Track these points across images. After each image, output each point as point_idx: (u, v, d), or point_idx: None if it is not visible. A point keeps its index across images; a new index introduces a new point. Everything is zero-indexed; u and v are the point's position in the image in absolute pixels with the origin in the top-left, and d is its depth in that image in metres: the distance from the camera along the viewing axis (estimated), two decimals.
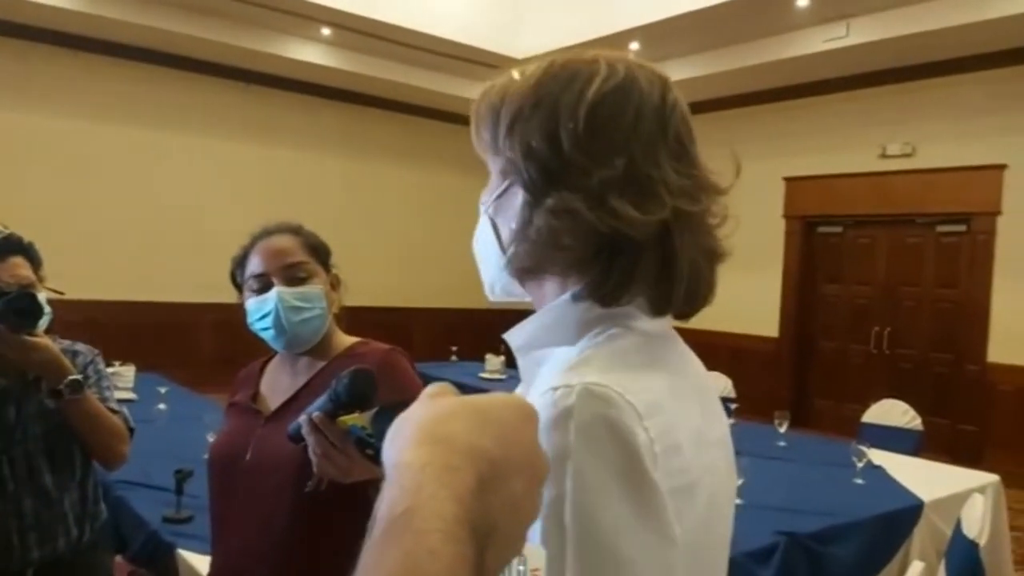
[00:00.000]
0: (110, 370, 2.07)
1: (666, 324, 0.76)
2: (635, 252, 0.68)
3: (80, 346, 1.96)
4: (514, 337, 0.77)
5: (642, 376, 0.67)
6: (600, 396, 0.61)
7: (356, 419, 1.07)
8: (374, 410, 1.07)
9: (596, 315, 0.71)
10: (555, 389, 0.62)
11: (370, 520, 0.40)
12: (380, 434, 1.04)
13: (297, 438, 1.14)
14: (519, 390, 0.79)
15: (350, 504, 1.25)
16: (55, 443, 1.80)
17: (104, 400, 1.87)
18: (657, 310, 0.72)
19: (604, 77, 0.70)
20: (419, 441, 0.43)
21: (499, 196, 0.75)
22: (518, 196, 0.72)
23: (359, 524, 1.30)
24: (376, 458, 1.08)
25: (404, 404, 1.08)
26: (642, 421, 0.62)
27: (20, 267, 1.78)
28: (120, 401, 1.99)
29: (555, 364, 0.70)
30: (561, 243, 0.68)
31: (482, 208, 0.79)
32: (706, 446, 0.71)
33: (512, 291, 0.79)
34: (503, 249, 0.75)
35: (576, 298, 0.71)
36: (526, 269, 0.73)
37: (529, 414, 0.49)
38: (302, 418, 1.12)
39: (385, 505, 0.39)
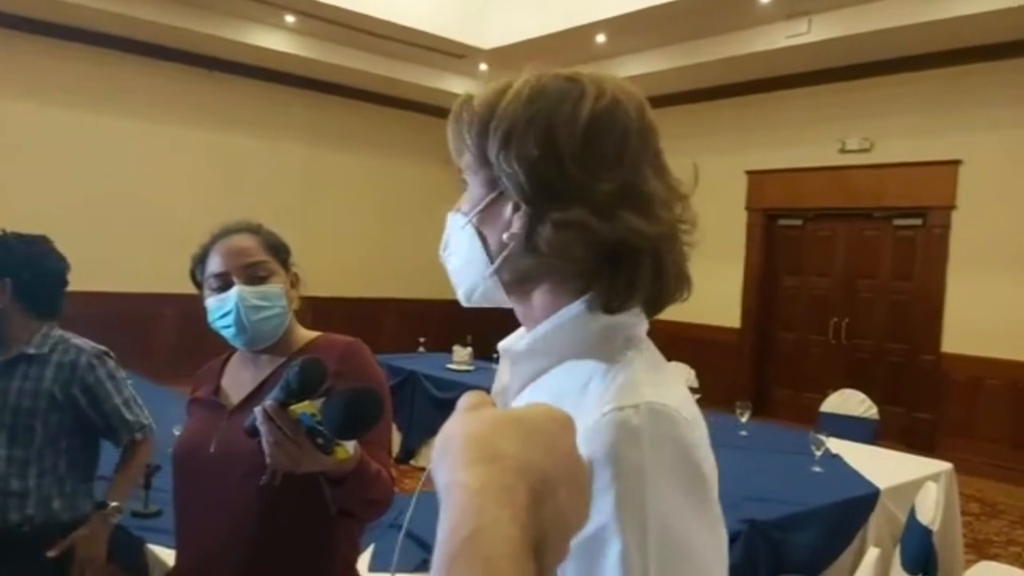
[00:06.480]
0: None
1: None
2: (634, 261, 0.73)
3: (80, 341, 2.07)
4: (516, 345, 0.79)
5: (676, 388, 0.73)
6: (664, 415, 0.66)
7: (307, 407, 1.11)
8: (323, 398, 1.11)
9: (605, 324, 0.74)
10: (620, 409, 0.65)
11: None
12: (328, 421, 1.09)
13: (252, 431, 1.16)
14: (496, 390, 0.82)
15: (311, 494, 1.28)
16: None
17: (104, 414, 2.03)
18: (650, 312, 0.78)
19: (594, 96, 0.73)
20: (472, 459, 0.44)
21: (485, 207, 0.78)
22: (508, 208, 0.76)
23: (321, 514, 1.35)
24: (325, 447, 1.13)
25: (352, 390, 1.13)
26: (693, 432, 0.68)
27: None
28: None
29: (581, 378, 0.72)
30: (571, 255, 0.72)
31: (461, 219, 0.80)
32: None
33: (493, 298, 0.81)
34: (491, 258, 0.78)
35: (589, 307, 0.74)
36: (524, 279, 0.78)
37: (566, 423, 0.50)
38: (256, 409, 1.14)
39: (447, 526, 0.40)
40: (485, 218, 0.78)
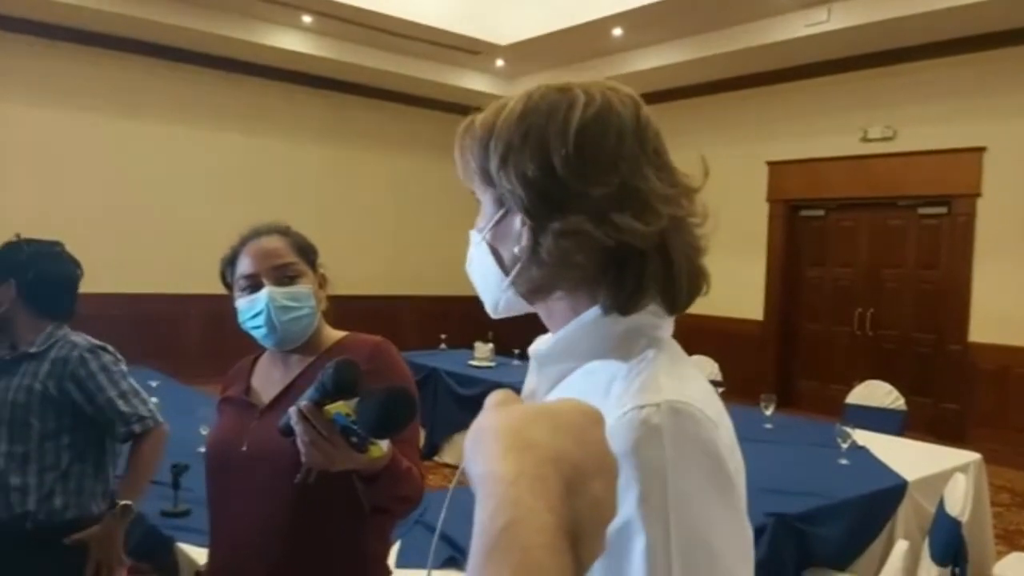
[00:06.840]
0: None
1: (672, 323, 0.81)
2: (640, 261, 0.74)
3: (77, 338, 2.05)
4: (542, 349, 0.82)
5: (697, 385, 0.73)
6: (685, 413, 0.67)
7: (341, 407, 1.14)
8: (357, 398, 1.14)
9: (624, 326, 0.75)
10: (640, 408, 0.66)
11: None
12: (363, 421, 1.12)
13: (287, 431, 1.19)
14: (525, 393, 0.83)
15: (344, 492, 1.30)
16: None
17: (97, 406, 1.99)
18: (669, 310, 0.78)
19: (584, 104, 0.75)
20: (506, 450, 0.44)
21: (496, 223, 0.81)
22: (516, 222, 0.78)
23: (353, 512, 1.38)
24: (359, 445, 1.16)
25: (387, 390, 1.16)
26: (717, 430, 0.69)
27: None
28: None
29: (603, 379, 0.73)
30: (573, 262, 0.74)
31: (477, 236, 0.84)
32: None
33: (517, 307, 0.84)
34: (506, 272, 0.81)
35: (605, 311, 0.75)
36: (537, 289, 0.79)
37: (595, 416, 0.50)
38: (291, 409, 1.17)
39: (484, 518, 0.40)
40: (498, 234, 0.81)
